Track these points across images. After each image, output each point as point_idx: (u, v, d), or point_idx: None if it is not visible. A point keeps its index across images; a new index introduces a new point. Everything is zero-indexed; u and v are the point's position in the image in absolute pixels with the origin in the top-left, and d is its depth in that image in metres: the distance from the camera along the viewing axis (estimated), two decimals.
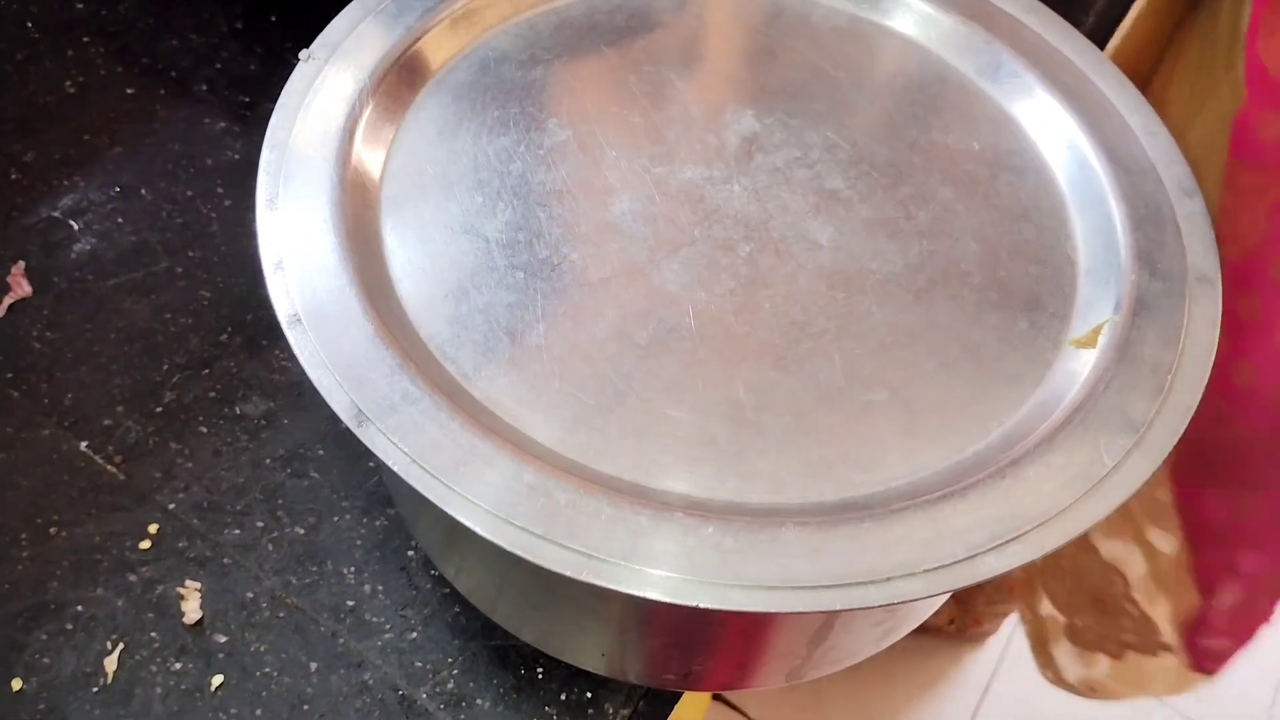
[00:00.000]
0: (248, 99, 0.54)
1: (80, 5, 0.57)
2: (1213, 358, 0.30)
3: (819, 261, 0.34)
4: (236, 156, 0.51)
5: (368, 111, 0.36)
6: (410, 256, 0.33)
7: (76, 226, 0.48)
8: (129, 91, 0.53)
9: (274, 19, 0.57)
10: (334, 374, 0.29)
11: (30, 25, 0.56)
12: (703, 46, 0.41)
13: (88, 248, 0.47)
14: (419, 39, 0.38)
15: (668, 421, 0.30)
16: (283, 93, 0.36)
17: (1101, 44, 0.60)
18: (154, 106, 0.53)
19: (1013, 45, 0.40)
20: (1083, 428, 0.29)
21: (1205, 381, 0.30)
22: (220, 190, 0.50)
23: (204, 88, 0.54)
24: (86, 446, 0.41)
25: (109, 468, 0.41)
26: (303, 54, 0.37)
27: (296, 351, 0.28)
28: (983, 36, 0.40)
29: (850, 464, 0.30)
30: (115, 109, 0.53)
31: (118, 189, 0.49)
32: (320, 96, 0.36)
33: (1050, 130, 0.38)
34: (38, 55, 0.54)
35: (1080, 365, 0.31)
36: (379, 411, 0.28)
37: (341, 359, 0.29)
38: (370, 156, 0.35)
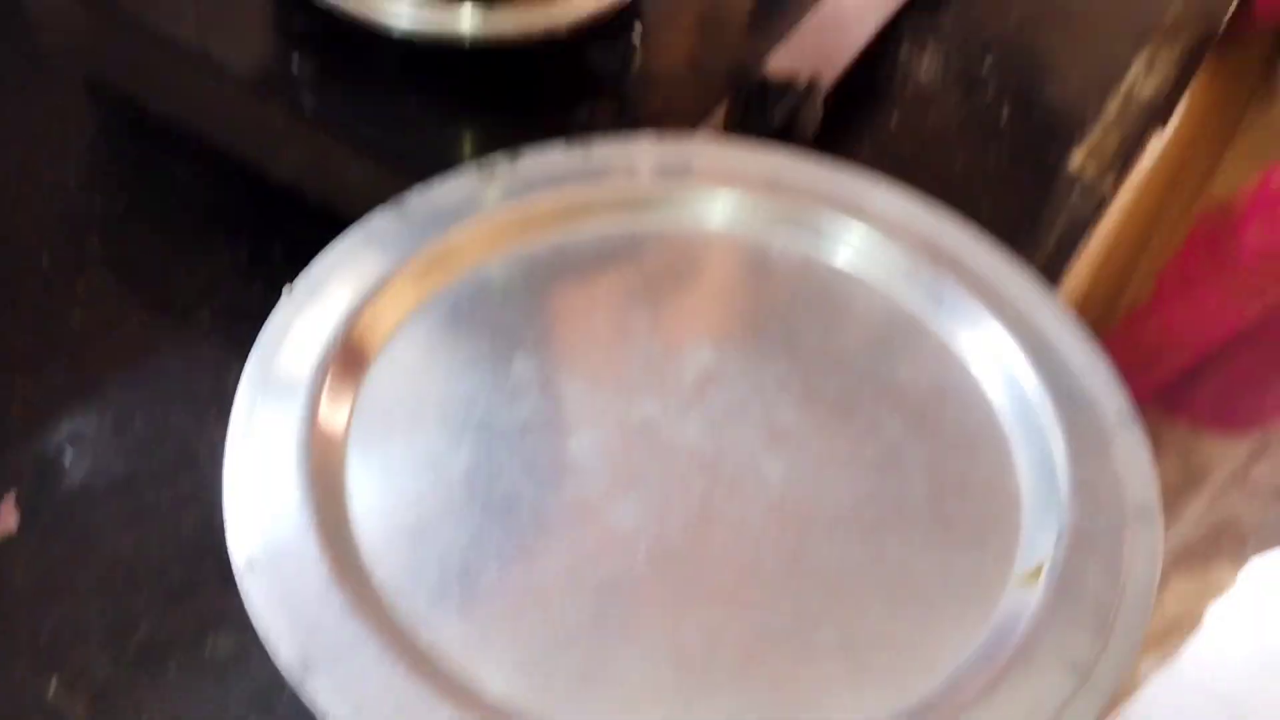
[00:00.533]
0: (246, 331, 0.57)
1: (95, 239, 0.61)
2: (1154, 594, 0.31)
3: (770, 498, 0.35)
4: (230, 388, 0.53)
5: (339, 351, 0.38)
6: (373, 497, 0.34)
7: (70, 458, 0.49)
8: (134, 323, 0.56)
9: (280, 251, 0.61)
10: (283, 622, 0.29)
11: (44, 259, 0.59)
12: (665, 286, 0.43)
13: (79, 479, 0.49)
14: (395, 278, 0.40)
15: (616, 667, 0.30)
16: (262, 330, 0.38)
17: (1055, 277, 0.63)
18: (157, 338, 0.56)
19: (959, 278, 0.42)
20: (1026, 670, 0.29)
21: (1147, 619, 0.30)
22: (212, 421, 0.52)
23: (206, 319, 0.57)
24: (58, 685, 0.42)
25: (78, 709, 0.41)
26: (286, 289, 0.39)
27: (246, 602, 0.29)
28: (929, 270, 0.43)
29: (799, 708, 0.30)
30: (120, 340, 0.55)
31: (115, 419, 0.51)
32: (295, 335, 0.38)
33: (994, 362, 0.39)
34: (48, 287, 0.58)
35: (1024, 603, 0.32)
36: (325, 662, 0.29)
37: (292, 608, 0.30)
38: (340, 397, 0.37)
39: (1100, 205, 0.68)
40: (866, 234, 0.43)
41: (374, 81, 0.54)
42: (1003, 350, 0.39)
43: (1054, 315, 0.41)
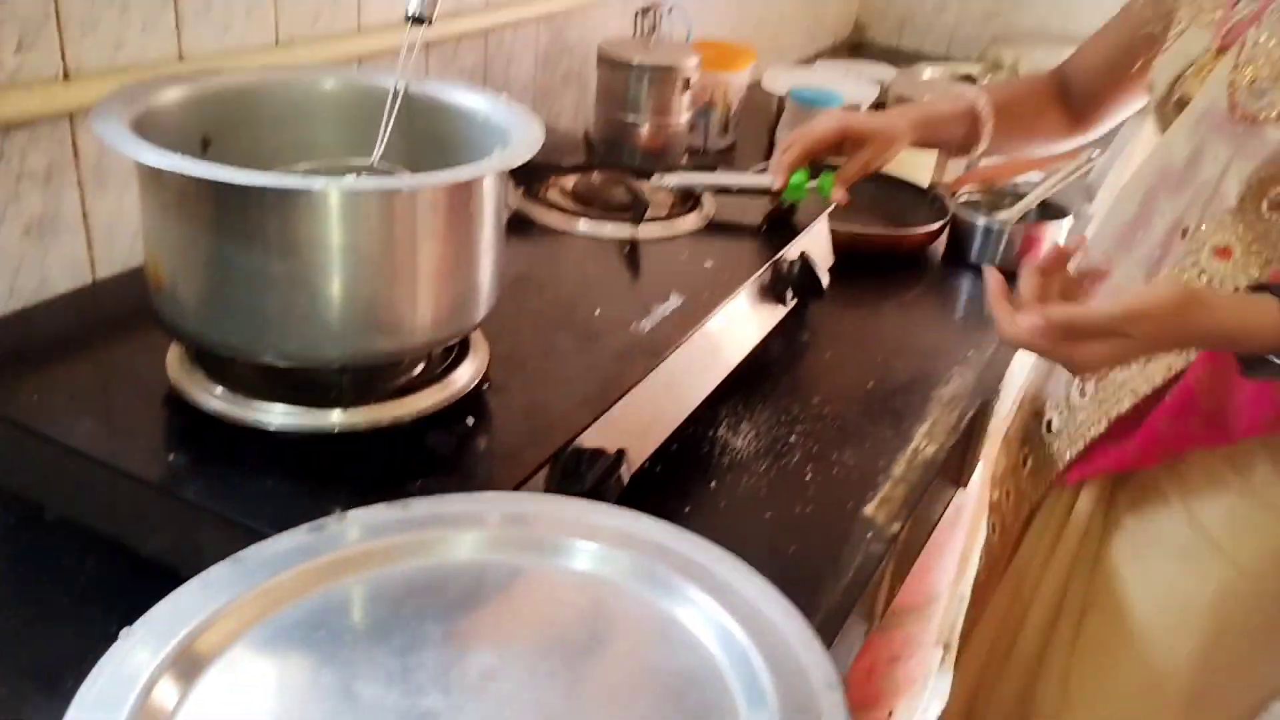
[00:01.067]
0: None
1: None
2: None
3: None
4: None
5: (157, 690, 0.44)
6: None
7: None
8: (4, 690, 0.61)
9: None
10: None
11: None
12: (458, 606, 0.51)
13: None
14: (223, 616, 0.47)
15: None
16: (92, 671, 0.44)
17: (853, 602, 0.71)
18: (22, 704, 0.60)
19: (703, 585, 0.51)
20: None
21: None
22: None
23: (72, 687, 0.62)
24: None
25: None
26: (124, 631, 0.46)
27: None
28: (680, 582, 0.51)
29: None
30: None
31: None
32: (120, 674, 0.44)
33: (728, 648, 0.47)
34: None
35: None
36: None
37: None
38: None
39: (890, 544, 0.78)
40: (632, 557, 0.52)
41: (248, 468, 0.64)
42: (735, 638, 0.47)
43: (770, 599, 0.49)
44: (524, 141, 0.67)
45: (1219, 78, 0.79)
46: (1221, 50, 0.81)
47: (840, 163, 1.03)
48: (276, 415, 0.66)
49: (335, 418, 0.66)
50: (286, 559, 0.50)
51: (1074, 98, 1.06)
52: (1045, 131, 1.10)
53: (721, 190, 1.06)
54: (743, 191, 1.05)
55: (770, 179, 1.02)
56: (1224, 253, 0.78)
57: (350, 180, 0.59)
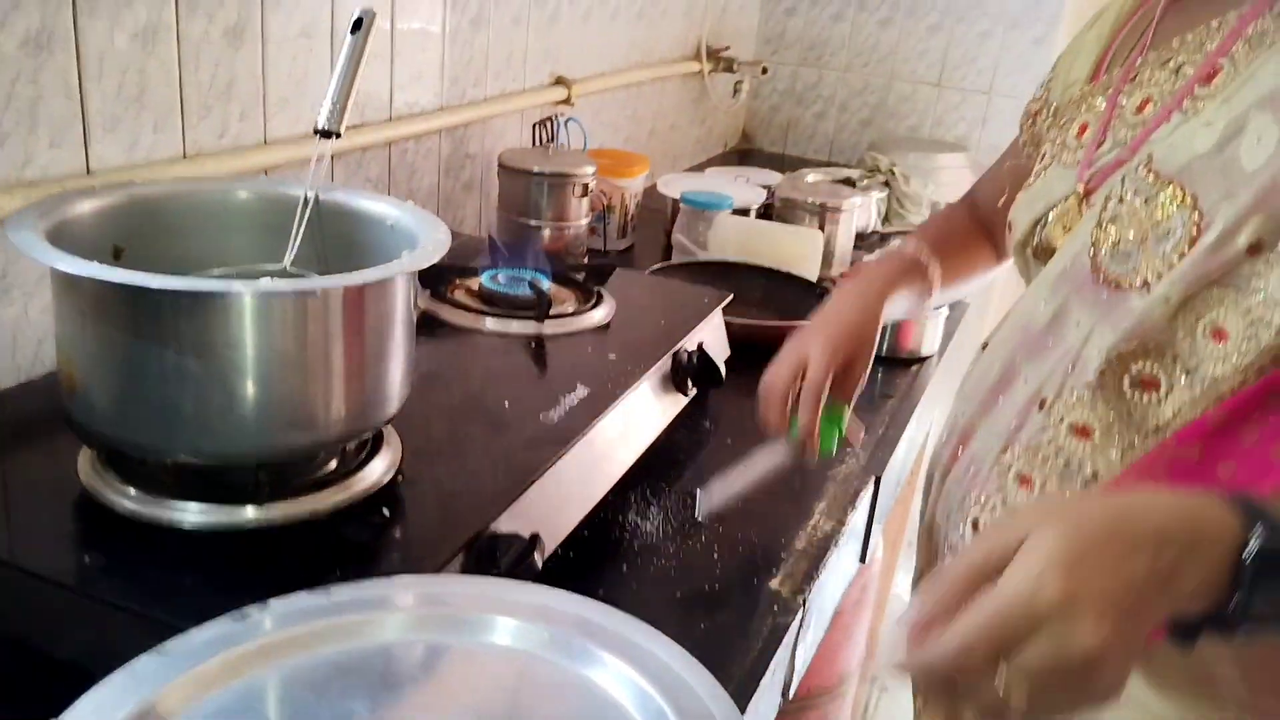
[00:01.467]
0: None
1: None
2: None
3: None
4: None
5: None
6: None
7: None
8: None
9: None
10: None
11: None
12: (382, 684, 0.52)
13: None
14: (142, 713, 0.47)
15: None
16: None
17: (762, 671, 0.74)
18: None
19: (598, 640, 0.53)
20: None
21: None
22: None
23: None
24: None
25: None
26: None
27: None
28: (579, 638, 0.54)
29: None
30: None
31: None
32: None
33: (634, 699, 0.50)
34: None
35: None
36: None
37: None
38: None
39: (795, 616, 0.81)
40: (550, 630, 0.55)
41: (165, 566, 0.64)
42: (652, 697, 0.50)
43: (691, 670, 0.52)
44: (432, 244, 0.71)
45: (1082, 232, 0.73)
46: (1086, 196, 0.76)
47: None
48: (191, 514, 0.67)
49: (251, 514, 0.67)
50: (210, 647, 0.51)
51: (988, 227, 1.00)
52: (980, 265, 1.01)
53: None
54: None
55: (808, 455, 0.87)
56: (1083, 432, 0.70)
57: (266, 282, 0.62)
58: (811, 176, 1.87)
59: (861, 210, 1.69)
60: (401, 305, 0.71)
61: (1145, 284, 0.68)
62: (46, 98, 0.86)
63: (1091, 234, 0.72)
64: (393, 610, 0.55)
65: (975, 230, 1.01)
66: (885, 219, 1.88)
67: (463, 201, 1.51)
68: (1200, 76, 0.71)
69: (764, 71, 2.25)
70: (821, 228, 1.58)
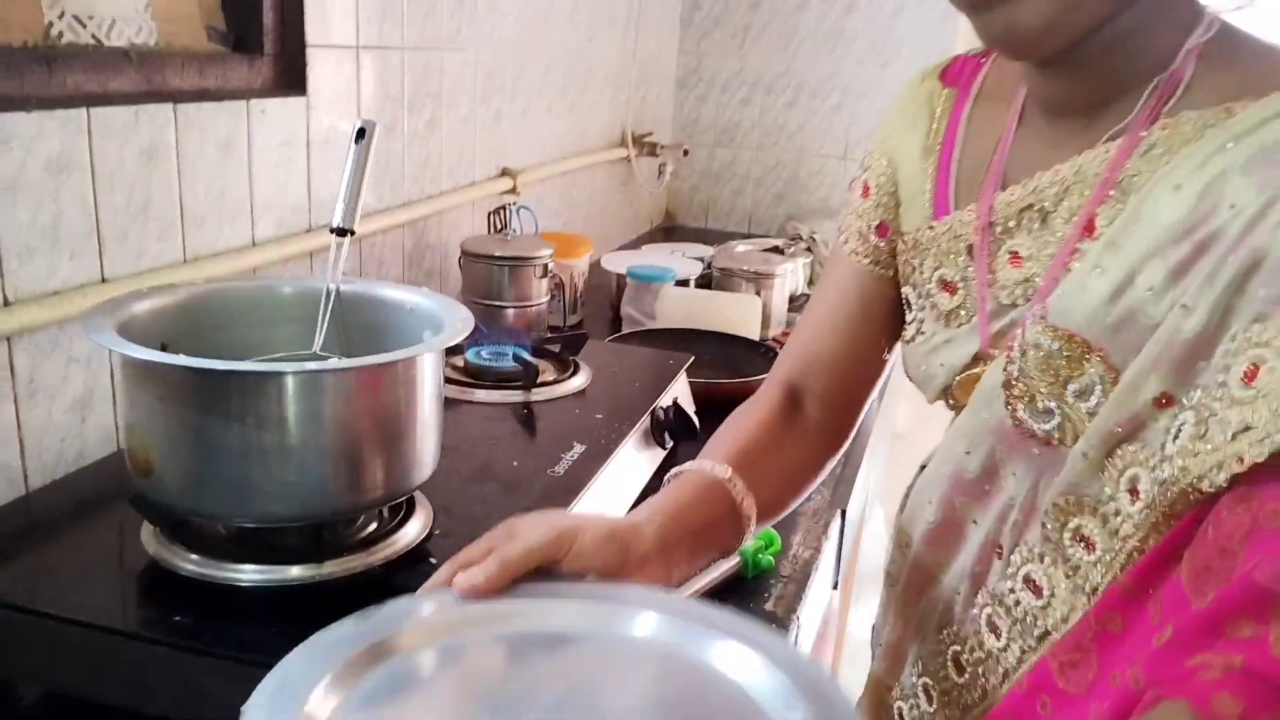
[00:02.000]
0: None
1: None
2: None
3: None
4: None
5: None
6: None
7: None
8: None
9: None
10: None
11: None
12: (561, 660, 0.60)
13: None
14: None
15: None
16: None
17: None
18: None
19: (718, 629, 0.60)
20: None
21: None
22: None
23: None
24: None
25: None
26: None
27: None
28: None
29: None
30: None
31: None
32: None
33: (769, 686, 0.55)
34: None
35: None
36: None
37: None
38: None
39: (791, 632, 0.91)
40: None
41: (231, 619, 0.71)
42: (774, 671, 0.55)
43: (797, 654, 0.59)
44: (459, 322, 0.81)
45: (992, 386, 0.70)
46: (987, 355, 0.72)
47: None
48: (247, 573, 0.74)
49: (313, 570, 0.75)
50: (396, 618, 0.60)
51: (820, 407, 0.86)
52: (808, 469, 0.87)
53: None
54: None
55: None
56: (1036, 589, 0.68)
57: (334, 362, 0.71)
58: (741, 247, 2.02)
59: (791, 275, 1.84)
60: (432, 379, 0.80)
61: (1076, 437, 0.65)
62: (68, 214, 0.94)
63: (1004, 394, 0.69)
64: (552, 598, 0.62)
65: (787, 426, 0.84)
66: (810, 282, 2.03)
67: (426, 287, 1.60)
68: (1081, 230, 0.67)
69: (685, 154, 2.41)
70: (758, 293, 1.71)
